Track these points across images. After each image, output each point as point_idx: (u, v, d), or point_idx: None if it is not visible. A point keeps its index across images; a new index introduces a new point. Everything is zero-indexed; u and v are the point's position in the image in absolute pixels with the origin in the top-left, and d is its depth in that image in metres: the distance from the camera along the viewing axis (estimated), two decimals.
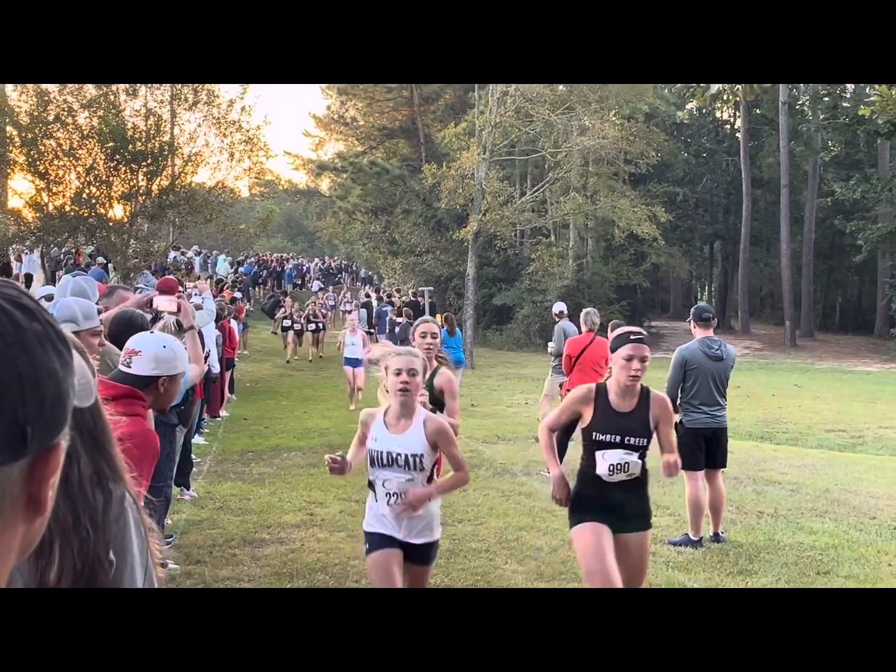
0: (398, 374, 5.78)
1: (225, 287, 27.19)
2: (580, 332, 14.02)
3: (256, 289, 51.93)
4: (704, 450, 9.73)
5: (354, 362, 21.54)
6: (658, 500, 11.64)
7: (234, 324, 23.48)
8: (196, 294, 14.97)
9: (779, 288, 56.90)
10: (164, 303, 7.34)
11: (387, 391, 5.90)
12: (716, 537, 9.77)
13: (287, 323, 33.12)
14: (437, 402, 7.35)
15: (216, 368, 15.62)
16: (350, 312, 26.53)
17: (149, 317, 6.87)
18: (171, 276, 11.42)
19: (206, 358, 13.92)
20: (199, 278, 23.09)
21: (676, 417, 9.78)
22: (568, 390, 13.36)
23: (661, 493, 12.10)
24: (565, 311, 17.34)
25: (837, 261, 62.22)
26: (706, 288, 76.84)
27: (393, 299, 37.95)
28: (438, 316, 33.45)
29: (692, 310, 10.17)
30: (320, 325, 34.26)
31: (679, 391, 9.78)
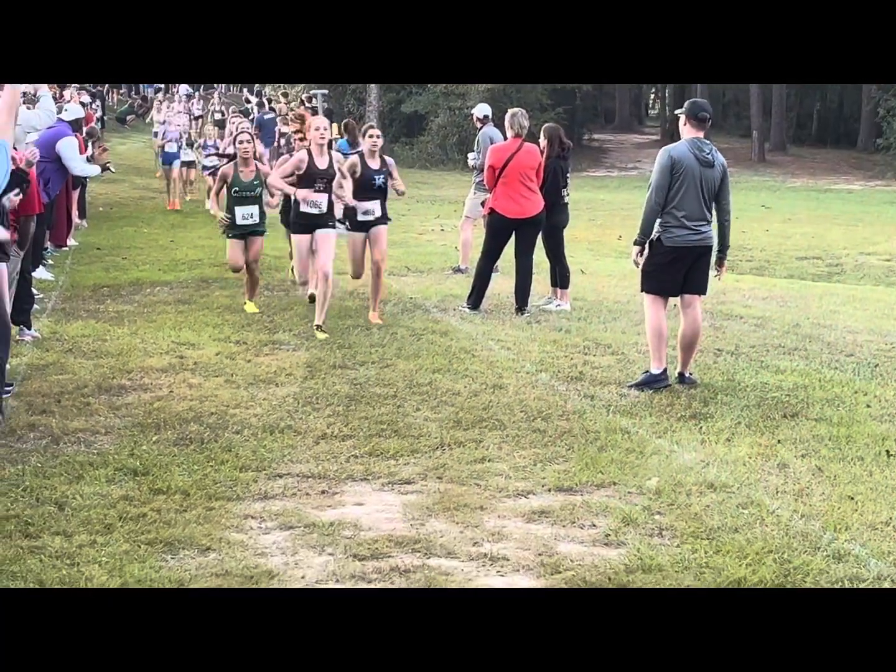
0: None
1: (67, 88, 26.44)
2: (506, 140, 13.94)
3: (110, 93, 50.77)
4: (684, 273, 9.72)
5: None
6: (598, 337, 11.82)
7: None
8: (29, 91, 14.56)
9: (745, 93, 57.08)
10: None
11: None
12: (681, 378, 9.90)
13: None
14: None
15: (90, 171, 15.71)
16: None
17: None
18: None
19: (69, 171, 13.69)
20: None
21: (654, 234, 9.73)
22: (491, 209, 13.38)
23: (601, 330, 12.28)
24: (490, 115, 17.22)
25: None
26: (659, 93, 76.81)
27: (279, 105, 37.33)
28: (335, 125, 33.02)
29: (687, 104, 9.93)
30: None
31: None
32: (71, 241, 18.76)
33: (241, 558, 5.94)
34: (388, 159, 13.05)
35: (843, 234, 25.75)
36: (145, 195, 29.44)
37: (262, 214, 13.18)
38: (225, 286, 14.87)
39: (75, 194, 18.89)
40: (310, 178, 11.80)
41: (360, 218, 12.64)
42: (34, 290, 12.35)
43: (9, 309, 9.32)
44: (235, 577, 5.67)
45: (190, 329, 11.91)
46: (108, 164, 18.88)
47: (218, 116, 37.67)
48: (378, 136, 12.82)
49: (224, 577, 5.68)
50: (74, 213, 19.16)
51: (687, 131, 9.82)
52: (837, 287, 17.95)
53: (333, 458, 7.70)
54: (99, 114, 35.76)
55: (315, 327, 11.74)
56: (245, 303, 13.27)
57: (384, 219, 12.85)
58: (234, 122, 19.87)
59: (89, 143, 22.83)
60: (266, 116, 32.95)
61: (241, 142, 13.02)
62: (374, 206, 12.63)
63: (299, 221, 12.05)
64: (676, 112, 10.09)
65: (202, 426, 8.38)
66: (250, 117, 33.97)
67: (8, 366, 9.32)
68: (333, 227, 12.16)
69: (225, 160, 23.79)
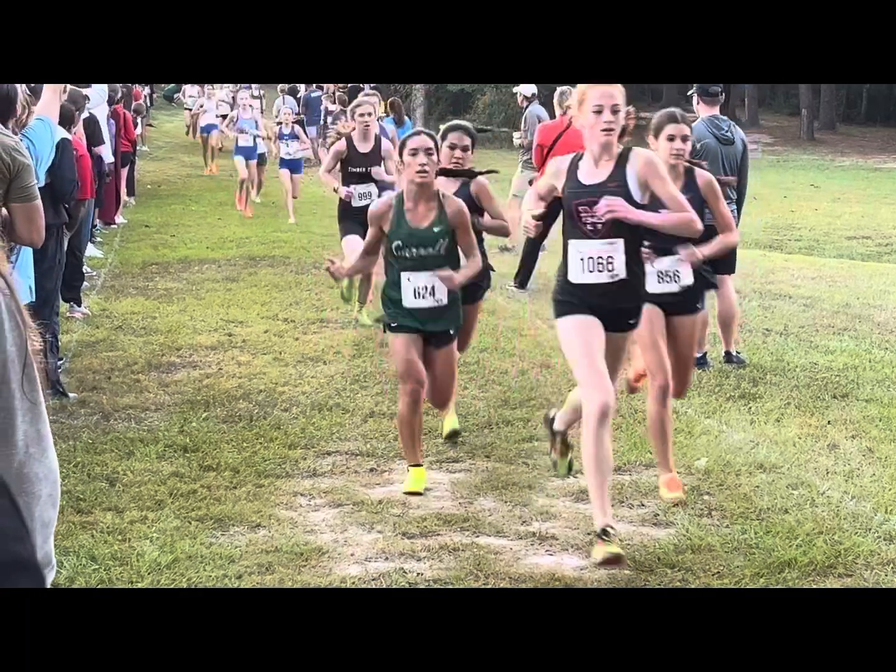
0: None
1: None
2: (554, 118, 13.89)
3: None
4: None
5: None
6: None
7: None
8: None
9: None
10: None
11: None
12: (728, 357, 9.85)
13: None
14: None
15: (109, 159, 15.47)
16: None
17: None
18: None
19: (96, 148, 13.76)
20: None
21: None
22: None
23: None
24: (537, 94, 17.15)
25: None
26: None
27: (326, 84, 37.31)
28: (382, 103, 33.03)
29: (696, 85, 9.92)
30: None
31: None
32: (119, 219, 18.87)
33: (291, 535, 5.97)
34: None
35: (894, 214, 25.47)
36: (193, 173, 29.55)
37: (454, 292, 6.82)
38: (273, 264, 14.92)
39: (124, 172, 19.00)
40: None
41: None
42: (86, 268, 12.45)
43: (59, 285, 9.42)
44: (285, 553, 5.71)
45: (238, 307, 11.97)
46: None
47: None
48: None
49: (274, 553, 5.71)
50: (123, 190, 19.27)
51: (702, 109, 9.72)
52: (888, 267, 17.76)
53: (382, 436, 7.72)
54: (147, 91, 35.90)
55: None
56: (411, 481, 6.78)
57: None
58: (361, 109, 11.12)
59: (138, 121, 22.93)
60: (313, 94, 32.96)
61: (413, 151, 6.61)
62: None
63: (566, 301, 6.01)
64: (688, 93, 10.01)
65: (251, 403, 8.43)
66: (297, 95, 33.92)
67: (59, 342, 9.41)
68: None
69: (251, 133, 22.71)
